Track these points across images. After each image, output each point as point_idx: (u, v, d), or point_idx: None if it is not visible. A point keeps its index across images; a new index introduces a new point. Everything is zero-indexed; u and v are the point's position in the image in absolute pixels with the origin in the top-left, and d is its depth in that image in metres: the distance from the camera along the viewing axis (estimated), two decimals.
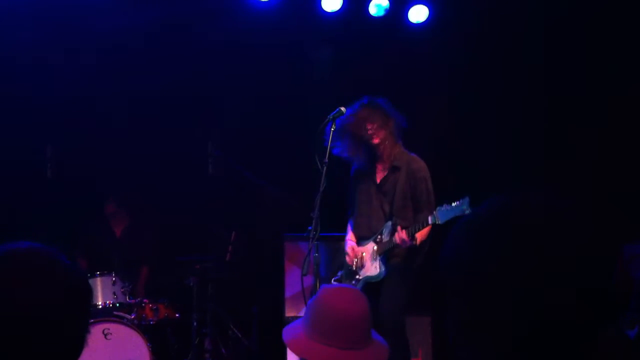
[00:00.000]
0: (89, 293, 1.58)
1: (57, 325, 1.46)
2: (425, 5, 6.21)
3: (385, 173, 4.87)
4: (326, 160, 4.42)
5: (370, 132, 4.73)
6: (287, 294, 5.99)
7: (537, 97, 6.15)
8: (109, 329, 5.11)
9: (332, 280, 5.00)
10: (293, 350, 2.34)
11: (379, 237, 4.80)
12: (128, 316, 5.38)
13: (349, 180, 5.06)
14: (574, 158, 5.87)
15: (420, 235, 4.62)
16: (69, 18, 5.88)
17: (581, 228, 1.15)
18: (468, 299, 1.16)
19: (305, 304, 4.90)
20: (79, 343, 1.52)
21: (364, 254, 4.87)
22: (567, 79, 5.97)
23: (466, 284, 1.16)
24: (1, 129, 5.91)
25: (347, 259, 4.93)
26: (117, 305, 5.43)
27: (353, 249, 4.91)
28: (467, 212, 4.31)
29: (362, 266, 4.86)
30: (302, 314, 5.56)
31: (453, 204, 4.43)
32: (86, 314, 1.55)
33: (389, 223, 4.77)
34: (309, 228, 4.45)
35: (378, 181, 4.89)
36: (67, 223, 5.98)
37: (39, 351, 1.44)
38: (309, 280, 4.70)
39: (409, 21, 6.27)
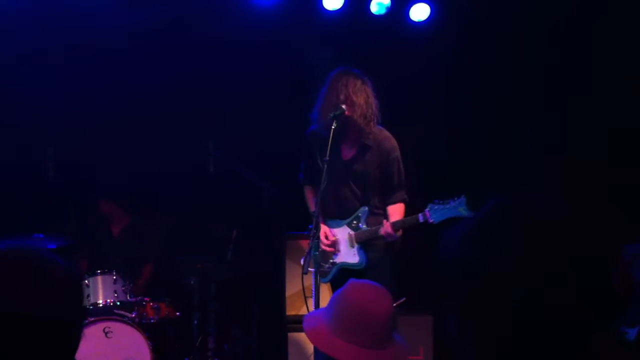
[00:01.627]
0: (80, 292, 1.59)
1: (52, 324, 1.46)
2: (427, 3, 6.20)
3: (354, 150, 4.66)
4: (327, 158, 4.40)
5: (344, 104, 4.52)
6: (288, 292, 5.98)
7: (539, 96, 6.14)
8: (109, 328, 5.11)
9: (301, 261, 4.60)
10: (312, 341, 2.34)
11: (354, 222, 4.63)
12: (129, 314, 5.37)
13: (304, 140, 4.82)
14: (574, 158, 5.87)
15: (402, 223, 4.50)
16: (68, 18, 5.87)
17: (581, 229, 1.15)
18: (469, 300, 1.16)
19: (306, 302, 4.92)
20: (74, 342, 1.52)
21: (337, 237, 4.70)
22: (570, 78, 5.96)
23: (467, 284, 1.16)
24: (1, 129, 5.91)
25: (323, 246, 4.69)
26: (118, 303, 5.42)
27: (327, 236, 4.70)
28: (464, 213, 4.14)
29: (337, 250, 4.69)
30: (302, 312, 5.60)
31: (448, 204, 4.24)
32: (80, 313, 1.56)
33: (365, 209, 4.62)
34: (310, 226, 4.44)
35: (345, 157, 4.68)
36: (66, 223, 5.96)
37: (34, 350, 1.44)
38: (309, 278, 4.70)
39: (410, 20, 6.26)
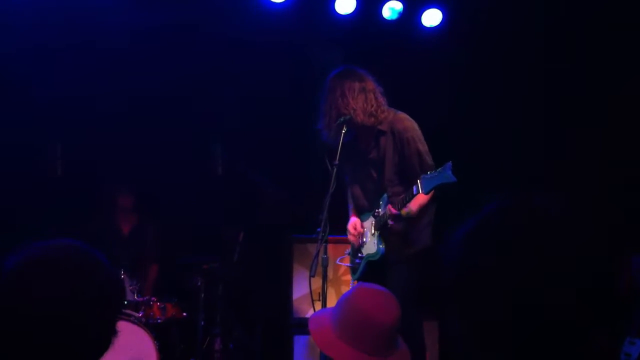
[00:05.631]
0: (119, 292, 1.59)
1: (88, 324, 1.47)
2: (439, 9, 6.20)
3: (371, 140, 4.61)
4: (336, 162, 4.39)
5: (342, 105, 4.48)
6: (295, 295, 5.98)
7: (552, 99, 6.13)
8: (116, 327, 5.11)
9: (337, 260, 4.85)
10: (316, 341, 2.32)
11: (377, 210, 4.57)
12: (136, 314, 5.39)
13: (324, 155, 4.68)
14: (577, 159, 5.86)
15: (417, 205, 4.36)
16: (77, 18, 5.87)
17: (581, 228, 1.15)
18: (469, 301, 1.16)
19: (313, 305, 4.92)
20: (102, 342, 1.53)
21: (365, 230, 4.69)
22: (579, 80, 5.94)
23: (467, 285, 1.17)
24: (9, 127, 5.93)
25: (350, 237, 4.72)
26: (125, 303, 5.44)
27: (355, 227, 4.70)
28: (451, 178, 3.98)
29: (364, 243, 4.68)
30: (308, 315, 5.60)
31: (435, 172, 4.09)
32: (111, 314, 1.56)
33: (385, 196, 4.54)
34: (318, 230, 4.43)
35: (363, 148, 4.65)
36: (75, 221, 5.98)
37: (59, 347, 1.45)
38: (316, 282, 4.70)
39: (422, 25, 6.26)
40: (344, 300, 2.29)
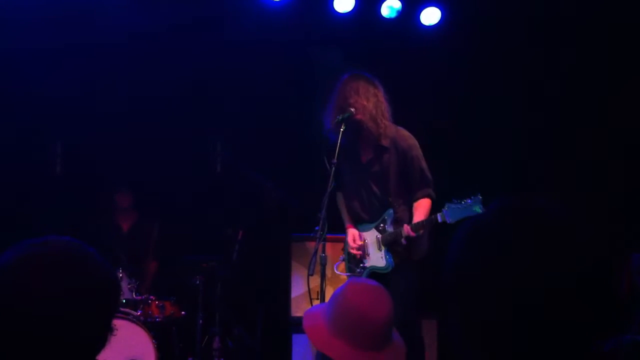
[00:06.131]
0: (115, 290, 1.59)
1: (78, 319, 1.47)
2: (438, 7, 6.20)
3: (371, 152, 4.65)
4: (334, 160, 4.40)
5: (353, 108, 4.50)
6: (293, 294, 5.99)
7: (552, 98, 6.13)
8: (114, 325, 5.07)
9: (335, 268, 4.87)
10: (310, 338, 2.29)
11: (382, 225, 4.62)
12: (134, 312, 5.39)
13: (324, 149, 4.69)
14: (580, 161, 5.87)
15: (425, 225, 4.44)
16: (79, 17, 5.87)
17: (580, 228, 1.15)
18: (469, 301, 1.16)
19: (311, 304, 4.91)
20: (97, 339, 1.53)
21: (366, 241, 4.70)
22: (578, 79, 5.94)
23: (467, 285, 1.17)
24: (8, 125, 5.93)
25: (350, 249, 4.74)
26: (124, 301, 5.43)
27: (355, 240, 4.72)
28: (480, 212, 4.08)
29: (366, 254, 4.70)
30: None
31: (463, 202, 4.19)
32: (107, 311, 1.56)
33: (390, 211, 4.59)
34: (316, 228, 4.43)
35: (364, 161, 4.67)
36: (73, 219, 5.98)
37: (54, 344, 1.45)
38: (315, 280, 4.70)
39: (421, 23, 6.26)
40: (336, 296, 2.26)
